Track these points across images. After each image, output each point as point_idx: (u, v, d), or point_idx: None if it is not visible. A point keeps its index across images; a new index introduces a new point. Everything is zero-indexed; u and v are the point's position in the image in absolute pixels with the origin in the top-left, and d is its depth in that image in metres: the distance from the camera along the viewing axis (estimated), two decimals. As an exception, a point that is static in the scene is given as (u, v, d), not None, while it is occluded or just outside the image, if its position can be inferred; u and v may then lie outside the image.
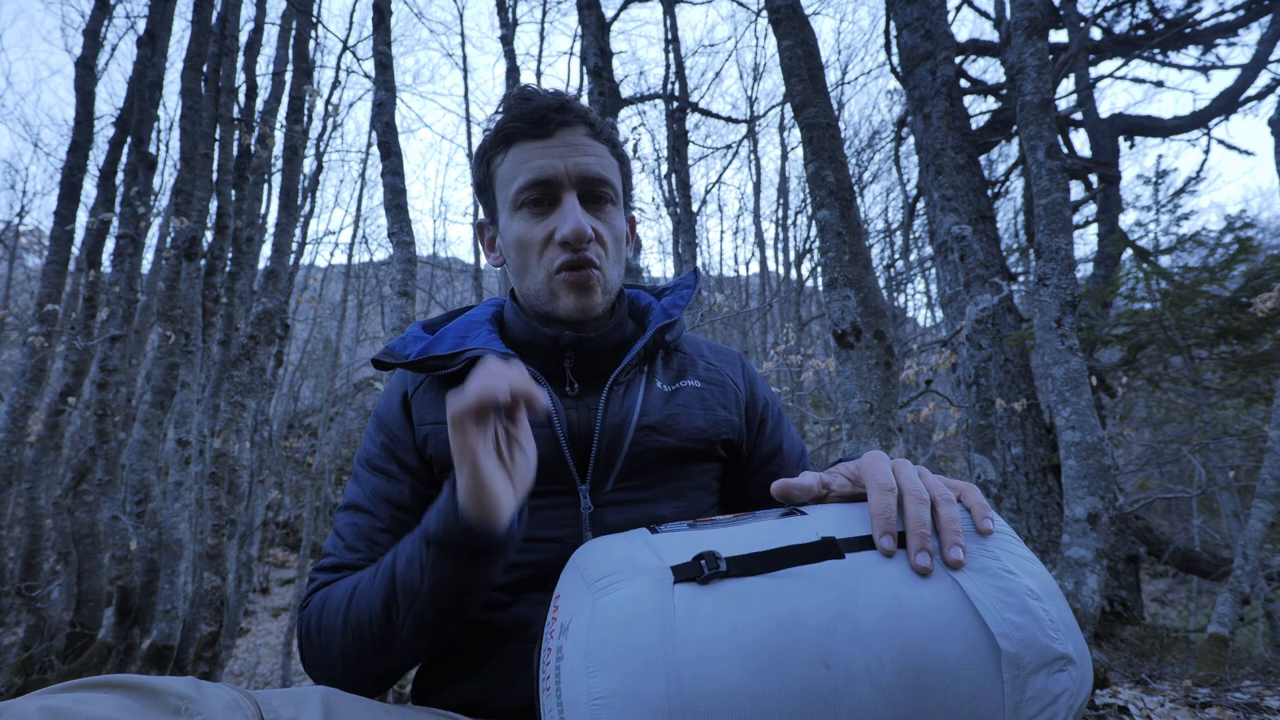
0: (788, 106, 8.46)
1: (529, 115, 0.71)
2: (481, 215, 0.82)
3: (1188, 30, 5.85)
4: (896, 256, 13.02)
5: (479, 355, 0.72)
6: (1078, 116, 6.21)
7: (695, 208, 12.02)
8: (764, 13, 7.41)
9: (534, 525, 0.70)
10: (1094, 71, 6.40)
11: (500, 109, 0.75)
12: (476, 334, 0.78)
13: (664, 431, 0.74)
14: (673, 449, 0.74)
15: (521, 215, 0.72)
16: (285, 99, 6.07)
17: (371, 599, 0.62)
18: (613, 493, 0.72)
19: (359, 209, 11.07)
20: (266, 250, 5.84)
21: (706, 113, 8.90)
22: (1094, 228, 6.17)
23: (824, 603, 0.46)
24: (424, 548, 0.58)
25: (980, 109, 9.47)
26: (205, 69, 5.01)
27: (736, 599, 0.46)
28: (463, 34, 16.59)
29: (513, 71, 6.09)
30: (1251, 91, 5.52)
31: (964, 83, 6.82)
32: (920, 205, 7.45)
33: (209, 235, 4.92)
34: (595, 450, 0.71)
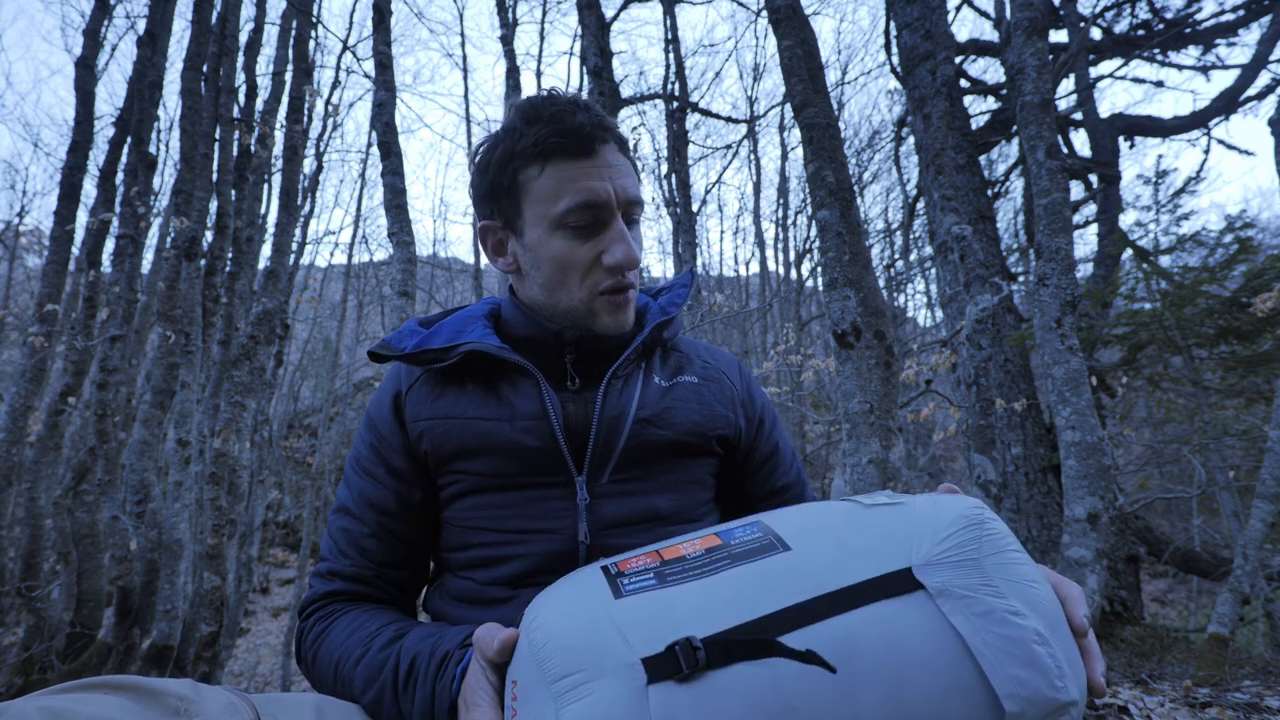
0: (788, 106, 8.46)
1: (571, 132, 0.69)
2: (485, 218, 0.79)
3: (1188, 30, 5.85)
4: (896, 256, 13.03)
5: (477, 349, 0.73)
6: (1078, 116, 6.21)
7: (695, 208, 12.02)
8: (764, 13, 7.41)
9: (531, 517, 0.71)
10: (1094, 71, 6.40)
11: (526, 116, 0.71)
12: (472, 329, 0.78)
13: (660, 425, 0.74)
14: (669, 442, 0.74)
15: (564, 235, 0.71)
16: (285, 99, 6.08)
17: (352, 692, 0.65)
18: (609, 484, 0.72)
19: (359, 209, 11.09)
20: (266, 250, 5.85)
21: (706, 113, 8.91)
22: (1094, 228, 6.18)
23: (819, 687, 0.42)
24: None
25: (980, 109, 9.46)
26: (205, 69, 5.01)
27: (720, 697, 0.41)
28: (463, 34, 16.61)
29: (513, 71, 6.09)
30: (1251, 91, 5.52)
31: (964, 83, 6.81)
32: (920, 205, 7.45)
33: (209, 235, 4.92)
34: (592, 442, 0.72)
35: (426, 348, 0.75)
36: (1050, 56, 3.60)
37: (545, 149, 0.69)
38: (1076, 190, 6.25)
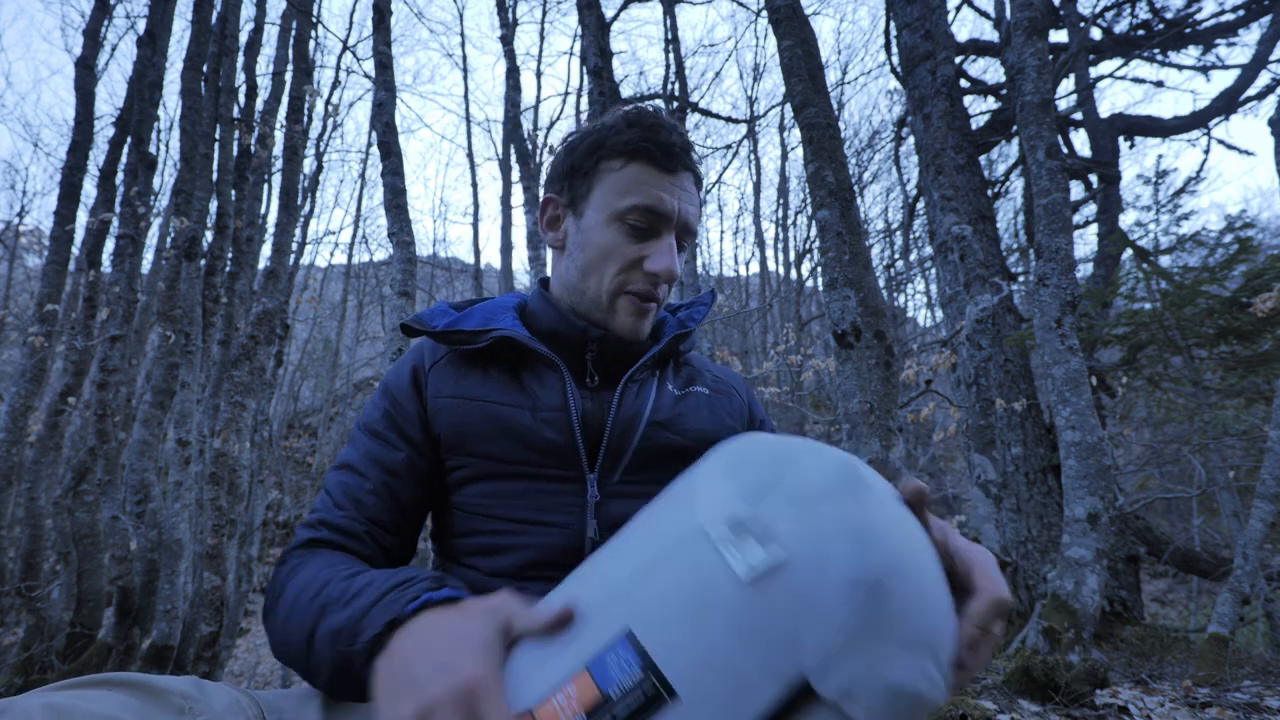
0: (788, 106, 8.46)
1: (664, 145, 0.75)
2: (551, 192, 0.83)
3: (1188, 30, 5.85)
4: (896, 256, 13.03)
5: (507, 335, 0.75)
6: (1078, 116, 6.21)
7: (695, 208, 11.95)
8: (764, 13, 7.41)
9: (539, 509, 0.72)
10: (1094, 71, 6.40)
11: (628, 119, 0.76)
12: (503, 317, 0.81)
13: (673, 429, 0.76)
14: (680, 447, 0.76)
15: (619, 229, 0.75)
16: (285, 99, 6.07)
17: (300, 634, 0.59)
18: (619, 484, 0.73)
19: (359, 209, 11.11)
20: (266, 250, 5.85)
21: (706, 113, 8.90)
22: (1094, 228, 6.18)
23: None
24: (338, 660, 0.54)
25: (980, 109, 9.48)
26: (205, 69, 5.00)
27: None
28: (463, 34, 16.58)
29: (513, 71, 6.09)
30: (1251, 91, 5.53)
31: (964, 83, 6.82)
32: (920, 205, 7.45)
33: (209, 235, 4.92)
34: (606, 441, 0.73)
35: (458, 328, 0.78)
36: (1050, 56, 3.60)
37: (636, 149, 0.75)
38: (1076, 190, 6.25)
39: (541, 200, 0.84)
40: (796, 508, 0.47)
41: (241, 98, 5.67)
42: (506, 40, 6.14)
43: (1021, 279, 6.60)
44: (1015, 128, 5.42)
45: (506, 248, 9.40)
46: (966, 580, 0.51)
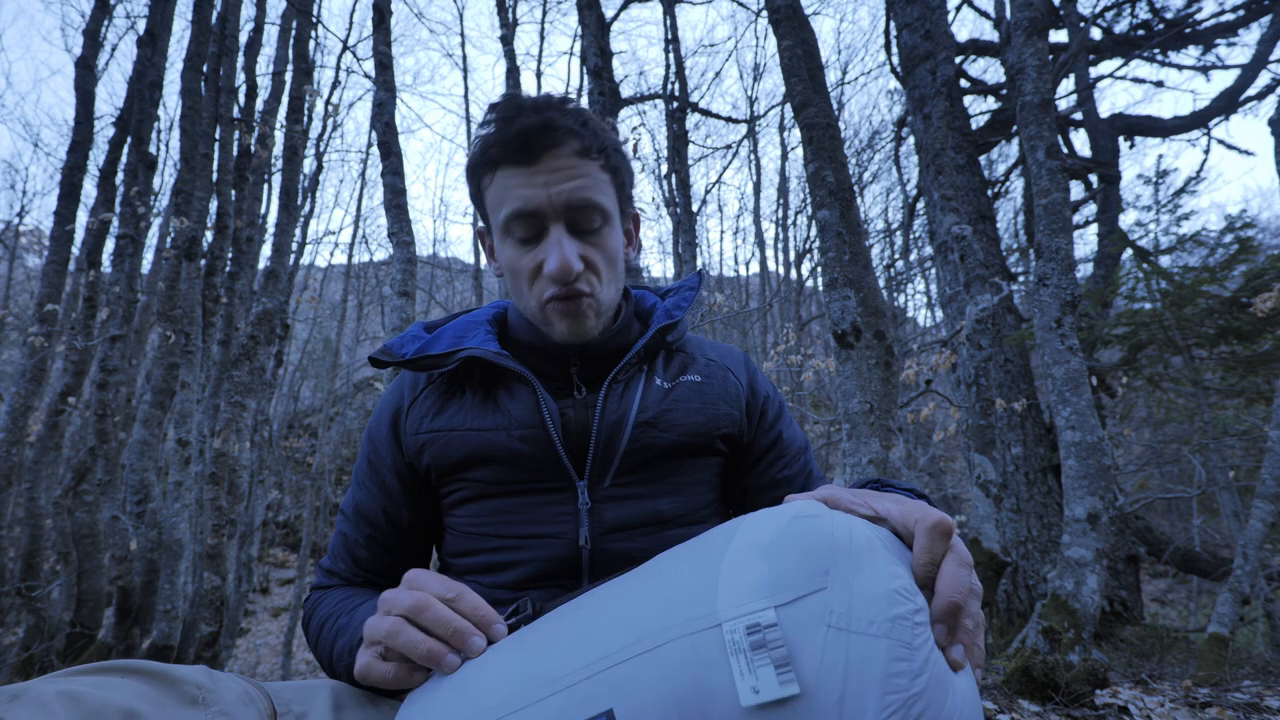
0: (788, 106, 8.47)
1: (512, 140, 0.67)
2: (481, 223, 0.82)
3: (1188, 30, 5.86)
4: (896, 256, 13.03)
5: (474, 355, 0.73)
6: (1078, 116, 6.21)
7: (695, 208, 12.04)
8: (764, 13, 7.42)
9: (532, 522, 0.71)
10: (1094, 71, 6.40)
11: (485, 121, 0.70)
12: (474, 334, 0.78)
13: (661, 427, 0.73)
14: (671, 444, 0.74)
15: (510, 244, 0.71)
16: (285, 99, 6.08)
17: (325, 654, 0.69)
18: (611, 489, 0.72)
19: (359, 209, 11.09)
20: (266, 250, 5.85)
21: (706, 113, 8.90)
22: (1094, 228, 6.18)
23: None
24: (347, 675, 0.64)
25: (980, 109, 9.49)
26: (205, 69, 5.01)
27: None
28: (463, 34, 16.56)
29: (513, 71, 6.09)
30: (1251, 91, 5.53)
31: (964, 83, 6.82)
32: (920, 205, 7.46)
33: (209, 235, 4.92)
34: (593, 447, 0.71)
35: (427, 353, 0.75)
36: (1050, 56, 3.60)
37: (490, 157, 0.69)
38: (1076, 190, 6.26)
39: (475, 232, 0.83)
40: (832, 634, 0.39)
41: (241, 98, 5.67)
42: (506, 40, 6.14)
43: (1021, 279, 6.60)
44: (1015, 128, 5.42)
45: (506, 248, 9.37)
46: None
